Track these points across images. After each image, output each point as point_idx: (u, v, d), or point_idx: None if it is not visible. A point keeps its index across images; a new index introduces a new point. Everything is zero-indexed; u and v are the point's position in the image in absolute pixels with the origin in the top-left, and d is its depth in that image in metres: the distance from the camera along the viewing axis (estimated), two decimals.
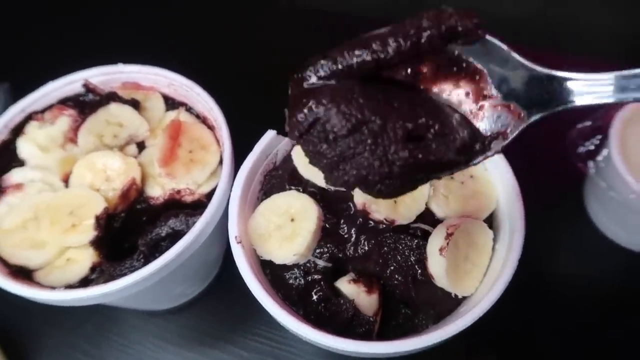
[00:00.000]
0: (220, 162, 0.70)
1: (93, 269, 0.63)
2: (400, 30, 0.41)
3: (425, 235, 0.60)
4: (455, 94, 0.45)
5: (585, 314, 0.78)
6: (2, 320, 0.79)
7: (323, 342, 0.52)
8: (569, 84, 0.41)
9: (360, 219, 0.62)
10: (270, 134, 0.67)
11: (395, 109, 0.41)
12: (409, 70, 0.44)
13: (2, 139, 0.73)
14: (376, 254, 0.60)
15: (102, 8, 1.25)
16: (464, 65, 0.44)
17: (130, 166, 0.68)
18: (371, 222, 0.62)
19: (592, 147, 0.80)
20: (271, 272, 0.61)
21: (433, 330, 0.52)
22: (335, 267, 0.61)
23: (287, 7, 1.24)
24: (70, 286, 0.62)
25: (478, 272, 0.59)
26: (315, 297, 0.58)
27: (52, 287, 0.61)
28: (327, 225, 0.62)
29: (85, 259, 0.63)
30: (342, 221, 0.62)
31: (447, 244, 0.56)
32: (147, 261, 0.60)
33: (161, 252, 0.60)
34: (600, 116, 0.80)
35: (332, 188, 0.65)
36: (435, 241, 0.58)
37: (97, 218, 0.63)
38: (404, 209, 0.61)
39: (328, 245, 0.61)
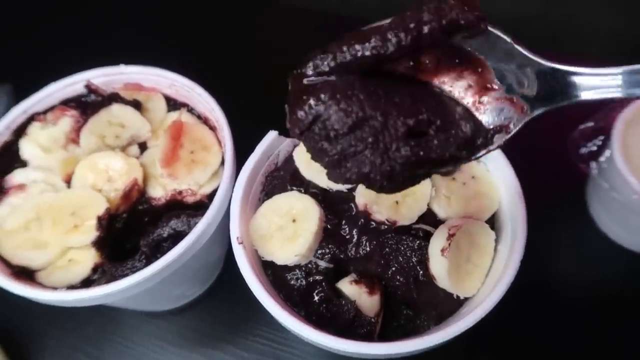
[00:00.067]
0: (222, 162, 0.71)
1: (95, 270, 0.63)
2: (400, 23, 0.40)
3: (427, 236, 0.60)
4: (457, 85, 0.44)
5: (587, 314, 0.78)
6: (4, 321, 0.79)
7: (324, 343, 0.52)
8: (575, 78, 0.40)
9: (362, 220, 0.62)
10: (272, 134, 0.67)
11: (396, 104, 0.40)
12: (410, 62, 0.43)
13: (5, 140, 0.73)
14: (378, 254, 0.60)
15: (103, 9, 1.26)
16: (466, 57, 0.43)
17: (132, 167, 0.69)
18: (373, 223, 0.62)
19: (594, 148, 0.79)
20: (273, 272, 0.61)
21: (435, 331, 0.52)
22: (336, 268, 0.61)
23: (288, 7, 1.24)
24: (72, 287, 0.62)
25: (480, 273, 0.59)
26: (316, 298, 0.58)
27: (54, 288, 0.61)
28: (328, 226, 0.62)
29: (87, 259, 0.63)
30: (343, 222, 0.62)
31: (449, 244, 0.56)
32: (148, 262, 0.60)
33: (163, 253, 0.60)
34: (602, 117, 0.80)
35: (334, 188, 0.65)
36: (437, 242, 0.58)
37: (99, 219, 0.63)
38: (405, 209, 0.61)
39: (330, 246, 0.61)
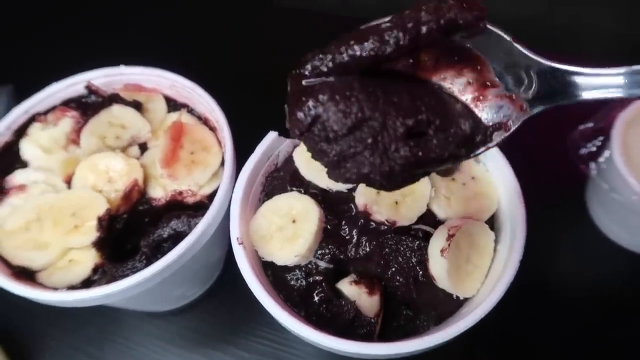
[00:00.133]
0: (222, 163, 0.71)
1: (95, 270, 0.63)
2: (398, 23, 0.39)
3: (427, 236, 0.60)
4: (457, 82, 0.44)
5: (587, 315, 0.78)
6: (4, 322, 0.80)
7: (324, 344, 0.52)
8: (575, 78, 0.40)
9: (362, 220, 0.62)
10: (272, 135, 0.67)
11: (395, 104, 0.40)
12: (409, 60, 0.43)
13: (5, 140, 0.73)
14: (377, 255, 0.60)
15: (103, 10, 1.26)
16: (466, 54, 0.43)
17: (133, 167, 0.69)
18: (372, 223, 0.62)
19: (594, 149, 0.79)
20: (273, 273, 0.61)
21: (434, 332, 0.52)
22: (336, 268, 0.61)
23: (288, 7, 1.24)
24: (72, 287, 0.62)
25: (479, 274, 0.59)
26: (316, 298, 0.58)
27: (55, 288, 0.61)
28: (328, 227, 0.62)
29: (87, 260, 0.63)
30: (343, 222, 0.62)
31: (449, 245, 0.56)
32: (149, 262, 0.61)
33: (163, 253, 0.60)
34: (602, 117, 0.80)
35: (334, 188, 0.65)
36: (437, 242, 0.58)
37: (100, 219, 0.63)
38: (405, 210, 0.61)
39: (329, 247, 0.61)
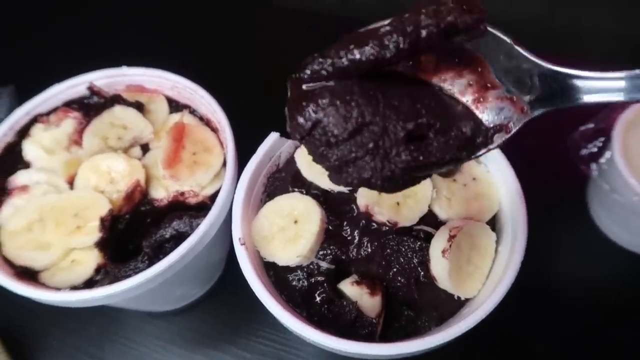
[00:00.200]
0: (224, 164, 0.71)
1: (98, 271, 0.63)
2: (398, 27, 0.39)
3: (428, 237, 0.61)
4: (457, 83, 0.45)
5: (588, 315, 0.78)
6: (6, 321, 0.80)
7: (326, 344, 0.52)
8: (577, 82, 0.40)
9: (363, 221, 0.62)
10: (274, 136, 0.68)
11: (396, 107, 0.41)
12: (409, 62, 0.43)
13: (8, 141, 0.73)
14: (379, 256, 0.61)
15: (105, 11, 1.26)
16: (466, 56, 0.43)
17: (135, 168, 0.69)
18: (374, 224, 0.62)
19: (594, 150, 0.80)
20: (274, 273, 0.61)
21: (436, 332, 0.52)
22: (338, 269, 0.61)
23: (288, 8, 1.25)
24: (75, 287, 0.62)
25: (480, 275, 0.59)
26: (318, 298, 0.58)
27: (57, 289, 0.61)
28: (330, 227, 0.62)
29: (90, 260, 0.63)
30: (345, 223, 0.63)
31: (450, 246, 0.56)
32: (151, 263, 0.61)
33: (165, 254, 0.60)
34: (602, 118, 0.80)
35: (335, 189, 0.65)
36: (438, 243, 0.58)
37: (102, 220, 0.63)
38: (406, 211, 0.62)
39: (331, 247, 0.61)
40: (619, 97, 0.39)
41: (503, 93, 0.44)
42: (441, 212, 0.63)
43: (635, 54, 1.04)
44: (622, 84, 0.39)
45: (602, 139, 0.79)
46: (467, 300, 0.59)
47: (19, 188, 0.68)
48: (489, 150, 0.44)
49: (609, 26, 1.11)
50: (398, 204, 0.62)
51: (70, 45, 1.14)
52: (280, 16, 1.24)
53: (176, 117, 0.77)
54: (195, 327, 0.80)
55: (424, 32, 0.39)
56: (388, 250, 0.60)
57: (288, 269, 0.61)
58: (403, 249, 0.60)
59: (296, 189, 0.66)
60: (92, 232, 0.63)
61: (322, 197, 0.64)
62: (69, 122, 0.74)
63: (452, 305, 0.59)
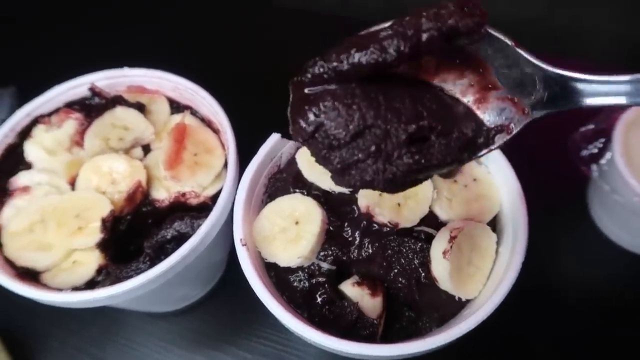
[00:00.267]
0: (225, 165, 0.71)
1: (99, 271, 0.63)
2: (399, 31, 0.39)
3: (429, 238, 0.61)
4: (458, 84, 0.45)
5: (588, 316, 0.78)
6: (7, 322, 0.80)
7: (327, 345, 0.52)
8: (579, 85, 0.40)
9: (364, 222, 0.62)
10: (275, 137, 0.68)
11: (397, 109, 0.41)
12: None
13: (10, 142, 0.73)
14: (380, 256, 0.61)
15: (106, 13, 1.26)
16: (467, 57, 0.43)
17: (136, 169, 0.69)
18: (375, 225, 0.62)
19: (595, 150, 0.80)
20: (276, 274, 0.62)
21: (437, 333, 0.53)
22: (339, 269, 0.61)
23: (288, 8, 1.25)
24: (76, 288, 0.62)
25: (481, 276, 0.59)
26: (319, 299, 0.58)
27: (59, 289, 0.61)
28: (331, 228, 0.62)
29: (91, 261, 0.63)
30: (346, 224, 0.63)
31: (451, 247, 0.56)
32: (152, 263, 0.61)
33: (167, 255, 0.60)
34: (603, 119, 0.81)
35: (336, 190, 0.65)
36: (439, 244, 0.58)
37: (103, 221, 0.64)
38: (407, 212, 0.62)
39: (332, 248, 0.61)
40: (621, 101, 0.39)
41: (504, 94, 0.44)
42: (442, 213, 0.63)
43: (635, 54, 1.04)
44: (625, 87, 0.39)
45: (603, 139, 0.79)
46: (468, 301, 0.59)
47: (21, 189, 0.69)
48: (490, 150, 0.44)
49: (608, 26, 1.11)
50: (399, 205, 0.62)
51: (72, 46, 1.14)
52: (280, 16, 1.24)
53: (177, 118, 0.77)
54: (196, 328, 0.80)
55: (425, 36, 0.39)
56: (389, 251, 0.60)
57: (289, 270, 0.61)
58: (404, 250, 0.60)
59: (297, 190, 0.66)
60: (94, 233, 0.63)
61: (323, 198, 0.64)
62: (71, 123, 0.74)
63: (453, 306, 0.59)
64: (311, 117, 0.40)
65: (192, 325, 0.80)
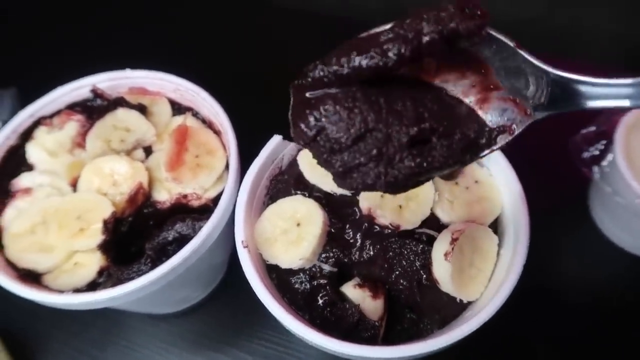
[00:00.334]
0: (227, 167, 0.71)
1: (101, 273, 0.63)
2: (399, 34, 0.39)
3: (431, 240, 0.61)
4: (460, 84, 0.45)
5: (590, 318, 0.78)
6: (9, 323, 0.80)
7: (328, 347, 0.52)
8: (582, 87, 0.40)
9: (366, 224, 0.62)
10: (276, 139, 0.68)
11: (398, 112, 0.41)
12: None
13: (11, 143, 0.73)
14: (381, 258, 0.61)
15: (107, 14, 1.26)
16: (468, 56, 0.43)
17: (137, 171, 0.69)
18: (376, 227, 0.62)
19: (596, 152, 0.80)
20: (277, 276, 0.62)
21: (438, 335, 0.53)
22: (340, 271, 0.61)
23: (289, 8, 1.25)
24: (78, 290, 0.62)
25: (483, 277, 0.59)
26: (320, 301, 0.58)
27: (60, 291, 0.61)
28: (332, 230, 0.62)
29: (93, 263, 0.63)
30: (347, 226, 0.63)
31: (452, 249, 0.56)
32: (154, 265, 0.61)
33: (168, 256, 0.60)
34: (604, 121, 0.81)
35: (338, 192, 0.65)
36: (440, 246, 0.58)
37: (105, 222, 0.64)
38: (409, 214, 0.62)
39: (333, 250, 0.61)
40: (624, 104, 0.39)
41: (506, 94, 0.44)
42: (443, 215, 0.63)
43: (635, 54, 1.04)
44: (628, 90, 0.38)
45: (604, 141, 0.79)
46: (469, 303, 0.59)
47: (22, 190, 0.69)
48: (493, 151, 0.44)
49: (608, 26, 1.11)
50: (400, 207, 0.62)
51: (73, 48, 1.14)
52: (280, 16, 1.24)
53: (179, 119, 0.77)
54: (197, 330, 0.80)
55: (425, 39, 0.39)
56: (390, 253, 0.60)
57: (290, 272, 0.61)
58: (405, 252, 0.60)
59: (299, 192, 0.66)
60: (95, 235, 0.63)
61: (324, 199, 0.64)
62: (72, 125, 0.74)
63: (455, 308, 0.59)
64: (312, 121, 0.40)
65: (193, 327, 0.80)
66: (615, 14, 1.10)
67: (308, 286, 0.60)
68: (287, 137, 0.68)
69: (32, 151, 0.73)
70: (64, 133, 0.73)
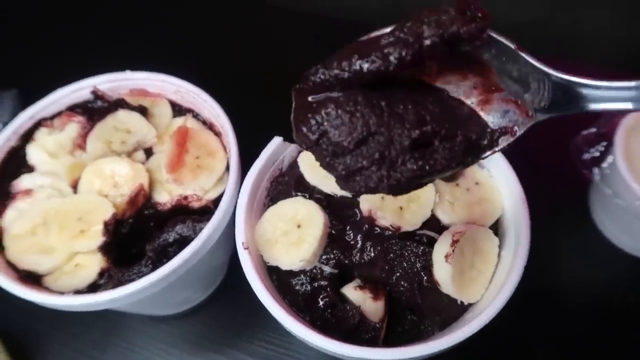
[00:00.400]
0: (227, 168, 0.71)
1: (101, 275, 0.63)
2: (400, 38, 0.39)
3: (431, 242, 0.61)
4: (461, 86, 0.45)
5: (590, 320, 0.78)
6: (9, 324, 0.80)
7: (329, 348, 0.52)
8: (584, 90, 0.40)
9: (366, 226, 0.62)
10: (277, 140, 0.68)
11: (400, 115, 0.41)
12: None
13: (12, 145, 0.73)
14: (382, 260, 0.61)
15: (107, 15, 1.27)
16: (470, 58, 0.43)
17: (138, 172, 0.69)
18: (377, 228, 0.62)
19: (597, 154, 0.80)
20: (278, 278, 0.62)
21: (439, 337, 0.53)
22: (341, 273, 0.61)
23: (290, 10, 1.25)
24: (78, 291, 0.62)
25: (484, 279, 0.59)
26: (321, 303, 0.58)
27: (61, 293, 0.61)
28: (333, 232, 0.62)
29: (93, 264, 0.63)
30: (348, 227, 0.63)
31: (453, 251, 0.56)
32: (155, 267, 0.61)
33: (169, 258, 0.60)
34: (604, 123, 0.81)
35: (338, 193, 0.65)
36: (441, 248, 0.58)
37: (106, 224, 0.64)
38: (409, 215, 0.62)
39: (334, 252, 0.61)
40: (627, 106, 0.39)
41: (508, 95, 0.44)
42: (444, 217, 0.63)
43: (636, 57, 1.04)
44: (630, 93, 0.38)
45: (604, 143, 0.79)
46: (470, 305, 0.59)
47: (23, 192, 0.69)
48: (494, 152, 0.44)
49: (609, 29, 1.11)
50: (401, 208, 0.62)
51: (74, 49, 1.14)
52: (280, 16, 1.24)
53: (179, 121, 0.77)
54: (197, 331, 0.80)
55: (426, 43, 0.39)
56: (391, 255, 0.60)
57: (291, 273, 0.61)
58: (406, 254, 0.60)
59: (299, 193, 0.66)
60: (96, 236, 0.63)
61: (325, 201, 0.65)
62: (73, 126, 0.74)
63: (455, 310, 0.59)
64: (314, 125, 0.40)
65: (194, 328, 0.80)
66: (616, 16, 1.10)
67: (309, 288, 0.60)
68: (287, 138, 0.68)
69: (33, 153, 0.73)
70: (65, 134, 0.73)
